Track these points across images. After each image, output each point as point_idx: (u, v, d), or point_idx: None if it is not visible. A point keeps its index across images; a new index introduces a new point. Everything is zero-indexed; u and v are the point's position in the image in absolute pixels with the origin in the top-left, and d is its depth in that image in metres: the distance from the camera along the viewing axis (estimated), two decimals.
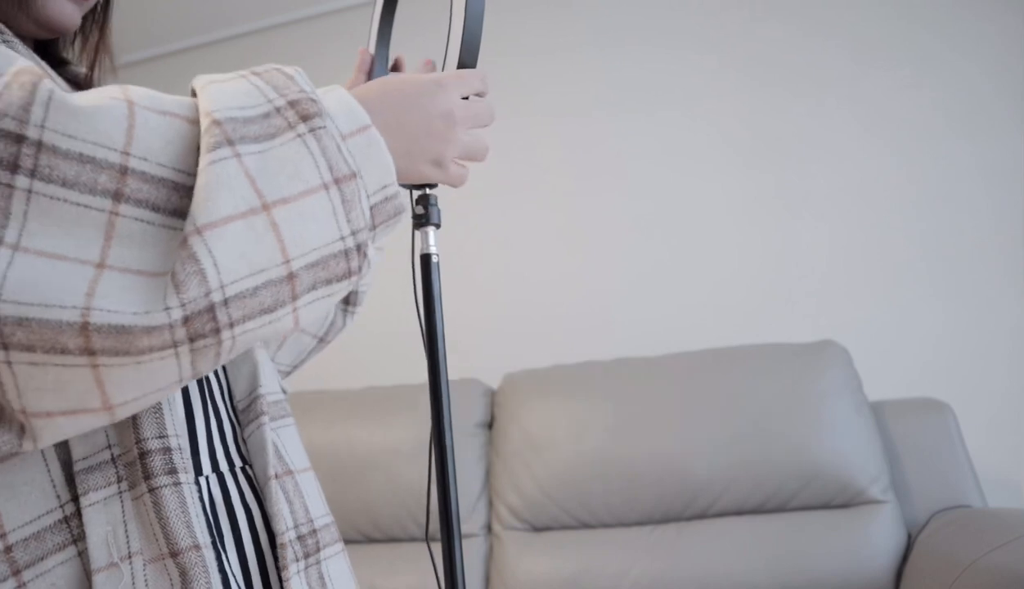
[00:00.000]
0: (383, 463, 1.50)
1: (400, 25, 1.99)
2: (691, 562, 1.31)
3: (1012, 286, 1.58)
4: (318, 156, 0.39)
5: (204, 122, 0.37)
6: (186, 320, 0.34)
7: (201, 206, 0.35)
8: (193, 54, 2.30)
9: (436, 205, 0.54)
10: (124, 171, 0.34)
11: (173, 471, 0.42)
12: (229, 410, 0.53)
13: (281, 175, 0.37)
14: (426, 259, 0.54)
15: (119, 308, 0.33)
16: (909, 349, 1.63)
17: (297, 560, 0.49)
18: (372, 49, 0.65)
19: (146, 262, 0.34)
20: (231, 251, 0.35)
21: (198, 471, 0.47)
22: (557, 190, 1.90)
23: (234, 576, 0.45)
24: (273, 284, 0.37)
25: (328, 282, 0.40)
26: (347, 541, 1.54)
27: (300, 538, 0.50)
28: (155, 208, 0.35)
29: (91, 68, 0.58)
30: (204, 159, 0.35)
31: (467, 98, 0.51)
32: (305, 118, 0.39)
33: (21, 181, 0.32)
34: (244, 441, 0.53)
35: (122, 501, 0.41)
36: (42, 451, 0.40)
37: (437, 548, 1.48)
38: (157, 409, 0.43)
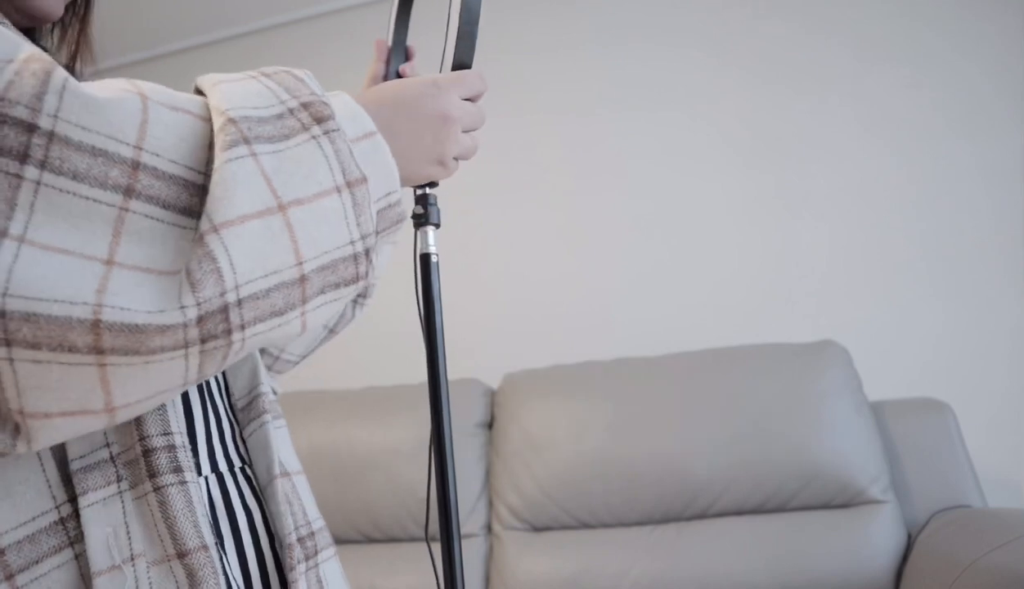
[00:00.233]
0: (383, 463, 1.50)
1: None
2: (691, 562, 1.31)
3: (1012, 286, 1.58)
4: (332, 159, 0.38)
5: (218, 120, 0.36)
6: (200, 320, 0.33)
7: (218, 203, 0.34)
8: (193, 54, 2.30)
9: (436, 205, 0.54)
10: (136, 166, 0.33)
11: (179, 469, 0.41)
12: (227, 409, 0.53)
13: (296, 176, 0.37)
14: (425, 259, 0.53)
15: (132, 306, 0.32)
16: (909, 349, 1.63)
17: (301, 561, 0.48)
18: (389, 40, 0.65)
19: (155, 260, 0.33)
20: (248, 250, 0.34)
21: (197, 471, 0.46)
22: (557, 189, 1.90)
23: (234, 578, 0.45)
24: (286, 286, 0.36)
25: (336, 286, 0.39)
26: (347, 541, 1.54)
27: (300, 540, 0.49)
28: (165, 205, 0.34)
29: (72, 59, 0.57)
30: (220, 156, 0.35)
31: (467, 99, 0.51)
32: (319, 120, 0.39)
33: (30, 172, 0.31)
34: (243, 441, 0.53)
35: (123, 501, 0.40)
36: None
37: (437, 548, 1.48)
38: (160, 406, 0.42)
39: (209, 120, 0.37)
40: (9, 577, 0.37)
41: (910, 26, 1.71)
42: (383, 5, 2.10)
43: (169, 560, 0.39)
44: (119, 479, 0.40)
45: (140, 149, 0.34)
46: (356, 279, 0.40)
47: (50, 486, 0.39)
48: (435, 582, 1.40)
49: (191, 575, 0.39)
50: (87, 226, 0.32)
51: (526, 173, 1.93)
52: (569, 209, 1.89)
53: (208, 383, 0.51)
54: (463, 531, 1.48)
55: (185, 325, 0.33)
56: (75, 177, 0.32)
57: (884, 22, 1.73)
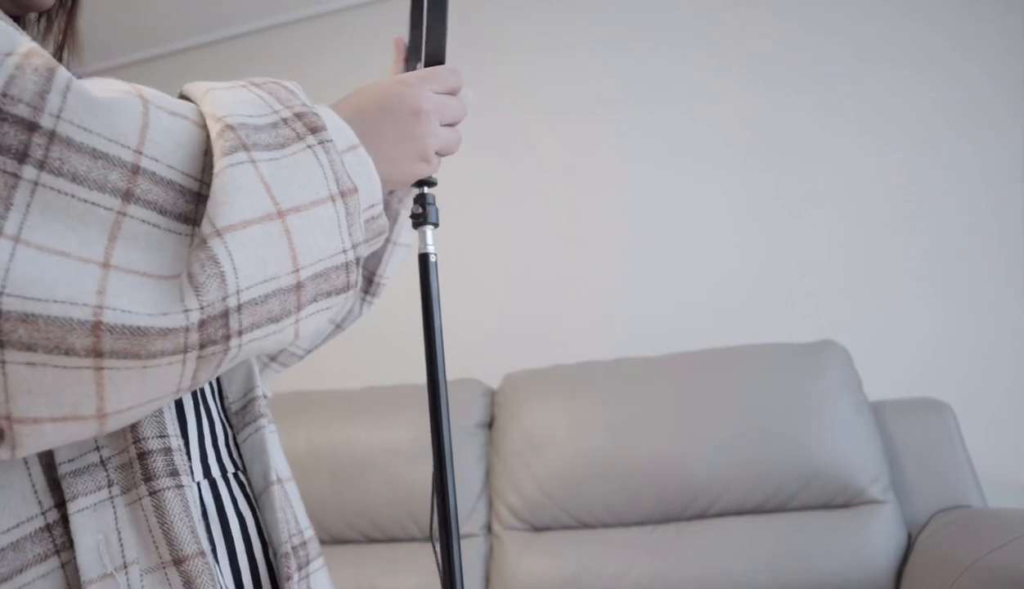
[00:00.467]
0: (383, 463, 1.49)
1: (402, 26, 1.99)
2: (691, 562, 1.31)
3: (1012, 286, 1.58)
4: (327, 168, 0.39)
5: (215, 126, 0.36)
6: (202, 324, 0.33)
7: (220, 208, 0.34)
8: (193, 54, 2.30)
9: (434, 204, 0.54)
10: (136, 171, 0.33)
11: (175, 473, 0.40)
12: (221, 413, 0.52)
13: (294, 184, 0.37)
14: (424, 258, 0.54)
15: (134, 308, 0.31)
16: (909, 349, 1.62)
17: (295, 572, 0.47)
18: (406, 38, 0.65)
19: (151, 265, 0.33)
20: (250, 255, 0.34)
21: (191, 477, 0.45)
22: (557, 189, 1.90)
23: (226, 587, 0.43)
24: (283, 292, 0.36)
25: (328, 294, 0.39)
26: (347, 541, 1.54)
27: (294, 549, 0.48)
28: (161, 211, 0.34)
29: (59, 51, 0.56)
30: (221, 162, 0.35)
31: (441, 94, 0.51)
32: (313, 130, 0.39)
33: (28, 172, 0.30)
34: (237, 445, 0.52)
35: (114, 506, 0.38)
36: None
37: None
38: (157, 409, 0.41)
39: (204, 126, 0.37)
40: None
41: (910, 26, 1.71)
42: (383, 5, 2.10)
43: (164, 567, 0.38)
44: (110, 484, 0.39)
45: (140, 153, 0.33)
46: (347, 288, 0.40)
47: (36, 491, 0.37)
48: (436, 582, 1.40)
49: (188, 582, 0.38)
50: (83, 229, 0.31)
51: (526, 173, 1.93)
52: (569, 209, 1.89)
53: (201, 386, 0.50)
54: (463, 531, 1.48)
55: (187, 328, 0.33)
56: (74, 179, 0.31)
57: (884, 22, 1.73)
